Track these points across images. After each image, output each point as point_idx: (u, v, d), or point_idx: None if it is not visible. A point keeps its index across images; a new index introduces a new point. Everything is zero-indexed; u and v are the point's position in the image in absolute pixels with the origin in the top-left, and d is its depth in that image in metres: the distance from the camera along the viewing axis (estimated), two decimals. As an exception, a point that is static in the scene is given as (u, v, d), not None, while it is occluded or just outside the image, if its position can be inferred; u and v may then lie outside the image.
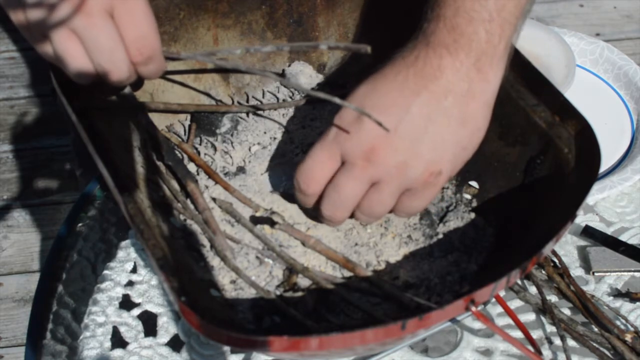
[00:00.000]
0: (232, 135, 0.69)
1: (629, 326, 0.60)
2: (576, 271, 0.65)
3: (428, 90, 0.53)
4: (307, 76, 0.72)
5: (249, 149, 0.68)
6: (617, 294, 0.63)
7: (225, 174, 0.65)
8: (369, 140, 0.53)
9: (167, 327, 0.61)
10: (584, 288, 0.63)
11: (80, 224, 0.72)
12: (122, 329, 0.61)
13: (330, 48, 0.61)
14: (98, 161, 0.54)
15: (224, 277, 0.58)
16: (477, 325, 0.61)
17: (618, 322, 0.60)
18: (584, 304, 0.60)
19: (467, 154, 0.56)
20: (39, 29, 0.51)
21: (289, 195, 0.63)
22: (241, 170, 0.66)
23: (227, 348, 0.60)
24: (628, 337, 0.58)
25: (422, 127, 0.53)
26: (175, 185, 0.63)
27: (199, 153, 0.67)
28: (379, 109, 0.53)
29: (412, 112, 0.53)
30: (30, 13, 0.51)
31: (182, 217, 0.61)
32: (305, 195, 0.57)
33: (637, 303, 0.62)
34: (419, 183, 0.54)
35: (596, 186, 0.69)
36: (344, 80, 0.72)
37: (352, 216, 0.58)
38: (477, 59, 0.53)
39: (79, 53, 0.52)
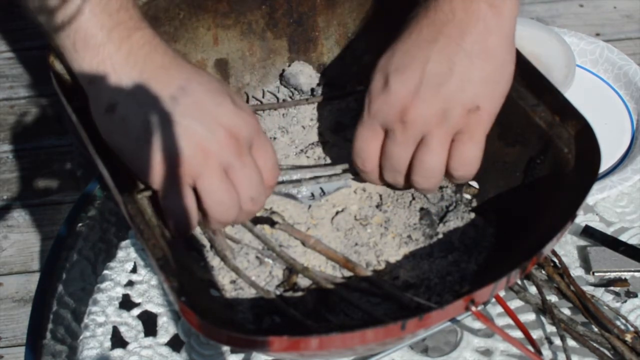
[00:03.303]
0: (232, 135, 0.69)
1: (629, 326, 0.60)
2: (576, 271, 0.65)
3: (443, 35, 0.54)
4: (307, 76, 0.72)
5: (249, 149, 0.68)
6: (616, 293, 0.63)
7: (225, 174, 0.65)
8: (398, 102, 0.55)
9: (167, 327, 0.61)
10: (584, 288, 0.63)
11: (80, 224, 0.72)
12: (122, 329, 0.61)
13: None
14: (98, 161, 0.54)
15: (224, 277, 0.58)
16: (477, 325, 0.61)
17: (618, 322, 0.60)
18: (584, 304, 0.60)
19: (502, 88, 0.56)
20: (193, 173, 0.52)
21: (289, 195, 0.63)
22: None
23: (227, 348, 0.60)
24: (628, 337, 0.58)
25: (446, 70, 0.54)
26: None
27: (199, 153, 0.67)
28: (400, 69, 0.55)
29: (433, 60, 0.54)
30: (186, 159, 0.52)
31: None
32: (366, 173, 0.60)
33: (637, 303, 0.62)
34: (461, 123, 0.55)
35: (596, 186, 0.69)
36: (344, 80, 0.72)
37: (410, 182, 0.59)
38: None
39: (231, 192, 0.54)
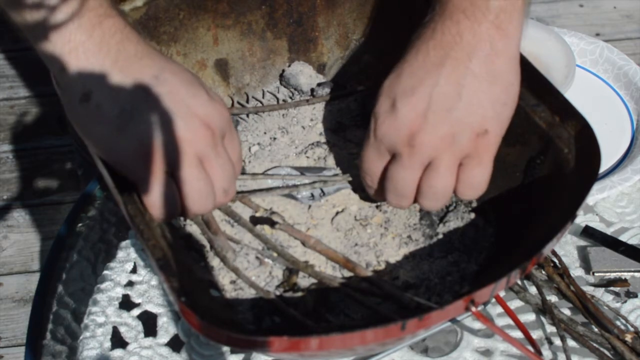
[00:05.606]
0: (232, 135, 0.69)
1: (629, 326, 0.60)
2: (576, 271, 0.65)
3: (450, 57, 0.54)
4: (307, 76, 0.72)
5: (249, 149, 0.68)
6: (616, 294, 0.63)
7: (225, 174, 0.65)
8: (405, 126, 0.54)
9: (167, 327, 0.61)
10: (584, 288, 0.63)
11: (80, 224, 0.72)
12: (122, 329, 0.61)
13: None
14: (98, 161, 0.54)
15: (224, 277, 0.58)
16: (477, 325, 0.61)
17: (618, 322, 0.60)
18: (584, 304, 0.60)
19: (509, 110, 0.55)
20: (170, 162, 0.52)
21: (289, 195, 0.63)
22: (241, 170, 0.66)
23: (227, 348, 0.60)
24: (628, 337, 0.58)
25: (454, 94, 0.54)
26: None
27: (199, 153, 0.67)
28: (408, 92, 0.54)
29: (440, 84, 0.54)
30: (164, 147, 0.52)
31: (182, 217, 0.61)
32: (371, 189, 0.60)
33: (637, 303, 0.62)
34: (469, 147, 0.54)
35: (596, 186, 0.69)
36: (344, 80, 0.72)
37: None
38: (495, 17, 0.53)
39: (208, 181, 0.54)
